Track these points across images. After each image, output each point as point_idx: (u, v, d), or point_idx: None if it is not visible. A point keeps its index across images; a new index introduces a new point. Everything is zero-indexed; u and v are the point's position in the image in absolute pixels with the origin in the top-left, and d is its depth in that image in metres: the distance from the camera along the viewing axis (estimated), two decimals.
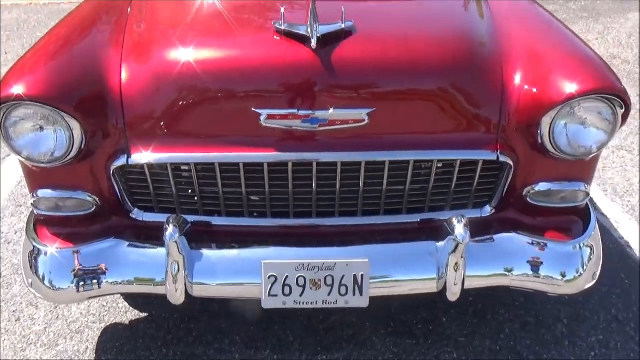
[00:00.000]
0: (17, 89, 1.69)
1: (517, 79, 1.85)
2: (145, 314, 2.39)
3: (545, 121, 1.78)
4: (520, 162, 1.88)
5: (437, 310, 2.41)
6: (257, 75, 1.77)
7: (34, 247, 1.89)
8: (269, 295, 1.83)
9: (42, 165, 1.79)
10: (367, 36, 1.85)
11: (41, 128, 1.75)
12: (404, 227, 1.99)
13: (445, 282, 1.84)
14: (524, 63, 1.88)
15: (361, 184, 1.87)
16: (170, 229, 1.76)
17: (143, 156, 1.80)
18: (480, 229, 1.93)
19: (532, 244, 1.93)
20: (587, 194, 1.98)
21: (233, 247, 1.90)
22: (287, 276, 1.81)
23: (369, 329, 2.33)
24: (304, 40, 1.74)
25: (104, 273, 1.87)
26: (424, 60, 1.84)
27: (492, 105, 1.85)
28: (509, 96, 1.84)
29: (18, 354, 2.24)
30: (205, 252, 1.86)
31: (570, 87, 1.75)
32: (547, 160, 1.87)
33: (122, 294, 2.40)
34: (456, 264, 1.81)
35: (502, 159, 1.85)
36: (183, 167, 1.86)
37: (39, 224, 1.96)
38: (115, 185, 1.87)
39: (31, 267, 1.90)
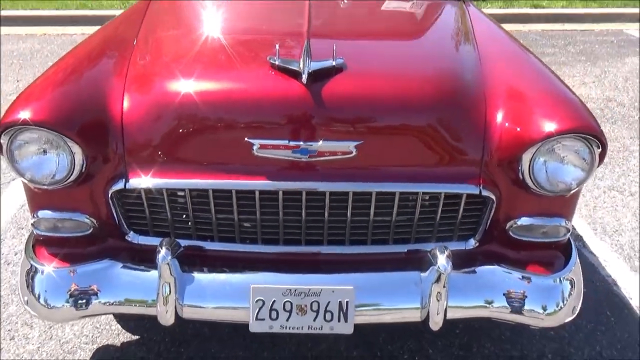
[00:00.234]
0: (24, 114, 1.78)
1: (500, 117, 1.93)
2: (137, 337, 2.44)
3: (526, 158, 1.86)
4: (503, 196, 1.95)
5: (424, 341, 2.45)
6: (250, 107, 1.86)
7: (31, 265, 1.96)
8: (257, 319, 1.88)
9: (44, 187, 1.87)
10: (357, 73, 1.94)
11: (44, 151, 1.84)
12: (390, 257, 2.05)
13: (428, 312, 1.90)
14: (506, 102, 1.97)
15: (349, 214, 1.94)
16: (163, 252, 1.83)
17: (140, 181, 1.88)
18: (464, 262, 1.99)
19: (514, 276, 1.98)
20: (568, 230, 2.04)
21: (224, 271, 1.96)
22: (274, 301, 1.86)
23: (356, 358, 2.36)
24: (296, 75, 1.83)
25: (97, 293, 1.93)
26: (410, 97, 1.93)
27: (476, 142, 1.93)
28: (491, 133, 1.92)
29: None
30: (196, 275, 1.92)
31: (549, 126, 1.83)
32: (529, 196, 1.94)
33: (114, 316, 2.46)
34: (438, 293, 1.86)
35: (485, 193, 1.92)
36: (178, 193, 1.94)
37: (37, 244, 2.03)
38: (113, 209, 1.94)
39: (28, 286, 1.97)
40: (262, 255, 2.03)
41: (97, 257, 1.97)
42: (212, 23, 2.57)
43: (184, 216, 1.99)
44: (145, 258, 1.96)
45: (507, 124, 1.91)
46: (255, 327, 1.89)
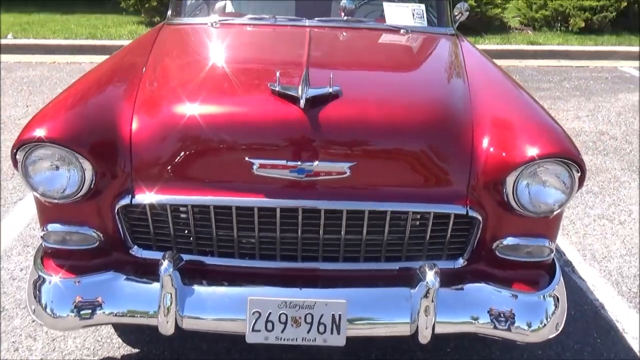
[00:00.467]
0: (39, 132, 1.91)
1: (486, 142, 2.05)
2: (137, 350, 2.51)
3: (509, 180, 1.97)
4: (489, 217, 2.05)
5: (416, 359, 2.52)
6: (251, 129, 1.98)
7: (39, 275, 2.06)
8: (253, 330, 1.96)
9: (54, 201, 1.98)
10: (352, 100, 2.07)
11: (57, 167, 1.96)
12: (382, 274, 2.14)
13: (417, 326, 1.98)
14: (492, 129, 2.08)
15: (343, 232, 2.04)
16: (165, 264, 1.93)
17: (146, 197, 1.99)
18: (453, 280, 2.09)
19: (500, 294, 2.07)
20: (552, 250, 2.14)
21: (222, 285, 2.05)
22: (270, 312, 1.95)
23: None
24: (294, 100, 1.96)
25: (102, 304, 2.02)
26: (401, 123, 2.04)
27: (463, 166, 2.04)
28: (477, 157, 2.03)
29: None
30: (196, 287, 2.00)
31: (531, 151, 1.95)
32: (514, 217, 2.04)
33: (115, 329, 2.54)
34: (427, 307, 1.95)
35: (472, 213, 2.03)
36: (181, 209, 2.05)
37: (45, 256, 2.13)
38: (119, 223, 2.05)
39: (35, 296, 2.06)
40: (260, 270, 2.12)
41: (101, 269, 2.06)
42: (217, 52, 2.72)
43: (186, 231, 2.09)
44: (148, 271, 2.05)
45: (492, 149, 2.03)
46: (251, 338, 1.97)
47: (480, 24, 10.16)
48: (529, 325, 2.05)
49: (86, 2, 11.88)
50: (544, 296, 2.09)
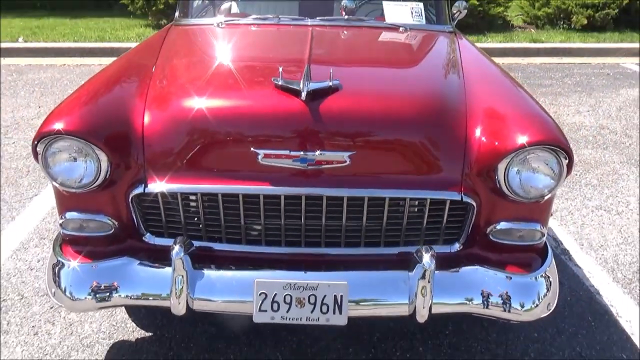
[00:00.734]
0: (58, 125, 2.04)
1: (479, 132, 2.15)
2: (150, 334, 2.64)
3: (501, 167, 2.08)
4: (483, 203, 2.16)
5: (416, 340, 2.63)
6: (256, 121, 2.10)
7: (57, 260, 2.19)
8: (259, 310, 2.08)
9: (72, 190, 2.11)
10: (351, 92, 2.18)
11: (75, 159, 2.08)
12: (382, 258, 2.25)
13: (415, 307, 2.09)
14: (485, 119, 2.19)
15: (344, 218, 2.15)
16: (176, 248, 2.05)
17: (157, 186, 2.12)
18: (450, 264, 2.19)
19: (494, 275, 2.18)
20: (543, 234, 2.24)
21: (230, 269, 2.17)
22: (275, 294, 2.07)
23: (352, 354, 2.55)
24: (296, 93, 2.08)
25: (117, 287, 2.14)
26: (398, 114, 2.15)
27: (457, 154, 2.15)
28: (470, 146, 2.14)
29: None
30: (206, 271, 2.12)
31: (521, 139, 2.05)
32: (506, 203, 2.15)
33: (129, 314, 2.67)
34: (424, 288, 2.06)
35: (466, 199, 2.13)
36: (191, 197, 2.17)
37: (64, 242, 2.26)
38: (132, 211, 2.18)
39: (54, 280, 2.19)
40: (266, 256, 2.24)
41: (116, 254, 2.19)
42: (223, 50, 2.85)
43: (196, 219, 2.21)
44: (159, 257, 2.17)
45: (485, 138, 2.13)
46: (258, 318, 2.09)
47: (483, 23, 10.26)
48: (522, 305, 2.16)
49: (94, 6, 12.09)
50: (536, 277, 2.19)
